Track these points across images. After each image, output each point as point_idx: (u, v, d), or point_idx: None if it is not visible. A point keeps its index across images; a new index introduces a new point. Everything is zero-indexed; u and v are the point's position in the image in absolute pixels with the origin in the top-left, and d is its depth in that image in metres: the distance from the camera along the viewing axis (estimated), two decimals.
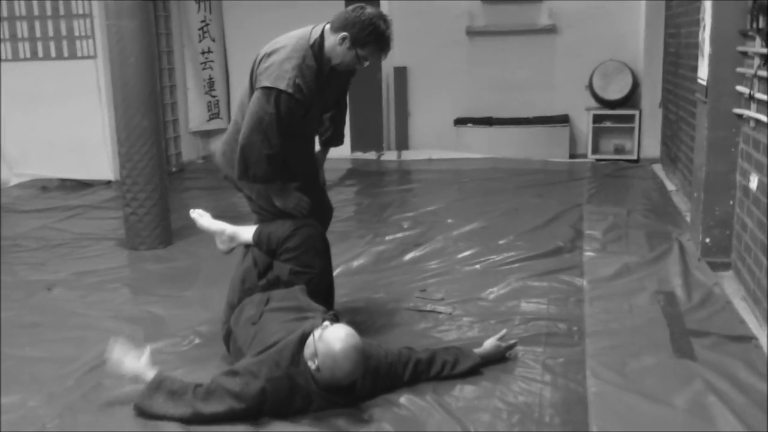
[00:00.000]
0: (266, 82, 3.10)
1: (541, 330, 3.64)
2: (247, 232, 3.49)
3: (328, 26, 3.21)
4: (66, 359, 3.43)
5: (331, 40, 3.16)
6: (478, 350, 3.23)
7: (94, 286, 4.50)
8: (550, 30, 8.76)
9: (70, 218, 6.33)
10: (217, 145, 3.46)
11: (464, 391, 3.04)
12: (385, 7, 8.79)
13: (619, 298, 4.05)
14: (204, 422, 2.76)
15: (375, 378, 2.98)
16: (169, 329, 3.80)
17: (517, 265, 4.68)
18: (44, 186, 7.67)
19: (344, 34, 3.12)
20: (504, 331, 3.38)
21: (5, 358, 3.47)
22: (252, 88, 3.25)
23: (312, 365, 2.77)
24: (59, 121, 7.66)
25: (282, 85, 3.08)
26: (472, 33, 8.99)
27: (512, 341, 3.36)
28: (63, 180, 7.77)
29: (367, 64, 3.24)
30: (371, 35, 3.12)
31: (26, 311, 4.10)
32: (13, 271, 4.87)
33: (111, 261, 5.08)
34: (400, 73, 9.14)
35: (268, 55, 3.19)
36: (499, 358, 3.28)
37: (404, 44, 9.09)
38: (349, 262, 4.81)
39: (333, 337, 2.76)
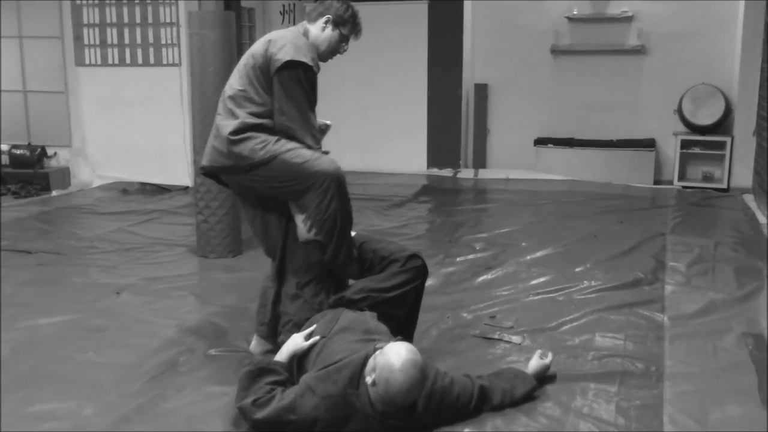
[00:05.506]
0: (287, 57, 3.19)
1: (616, 368, 3.43)
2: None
3: (305, 22, 3.40)
4: (126, 367, 3.42)
5: (314, 30, 3.36)
6: (530, 371, 3.19)
7: (161, 293, 4.51)
8: (639, 51, 8.48)
9: (146, 222, 6.43)
10: (209, 152, 3.38)
11: (529, 428, 2.87)
12: (468, 24, 8.69)
13: (703, 338, 3.79)
14: (256, 427, 2.72)
15: (439, 406, 2.86)
16: (229, 341, 3.76)
17: (593, 295, 4.46)
18: (125, 189, 7.85)
19: (326, 17, 3.33)
20: (546, 355, 3.30)
21: (69, 361, 3.49)
22: (261, 76, 3.24)
23: (369, 380, 2.69)
24: (142, 127, 7.84)
25: (302, 58, 3.20)
26: (556, 51, 8.79)
27: (550, 358, 3.28)
28: (143, 184, 7.93)
29: (346, 47, 3.41)
30: (348, 12, 3.37)
31: (94, 314, 4.14)
32: (86, 272, 4.94)
33: (181, 268, 5.10)
34: (481, 90, 9.00)
35: (273, 42, 3.27)
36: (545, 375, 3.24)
37: (486, 61, 9.00)
38: None
39: (392, 351, 2.69)
